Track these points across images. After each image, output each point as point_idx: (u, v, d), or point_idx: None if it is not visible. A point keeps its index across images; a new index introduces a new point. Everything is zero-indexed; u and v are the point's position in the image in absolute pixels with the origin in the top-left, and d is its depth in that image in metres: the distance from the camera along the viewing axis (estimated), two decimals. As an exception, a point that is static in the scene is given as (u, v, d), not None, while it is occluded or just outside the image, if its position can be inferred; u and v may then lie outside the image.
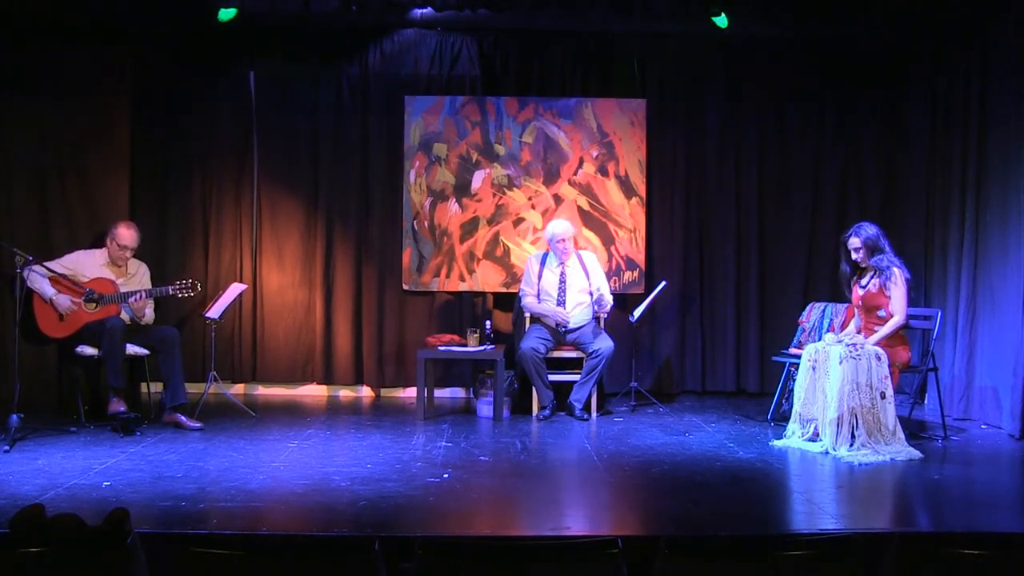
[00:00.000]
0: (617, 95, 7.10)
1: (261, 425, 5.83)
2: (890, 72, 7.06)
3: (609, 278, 6.83)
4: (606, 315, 6.42)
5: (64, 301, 5.66)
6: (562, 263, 6.38)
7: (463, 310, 7.11)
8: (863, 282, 5.51)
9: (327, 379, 7.13)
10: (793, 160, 7.16)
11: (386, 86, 7.09)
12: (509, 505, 4.22)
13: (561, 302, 6.34)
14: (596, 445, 5.36)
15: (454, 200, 7.07)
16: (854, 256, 5.51)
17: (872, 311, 5.42)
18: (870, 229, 5.47)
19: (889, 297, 5.36)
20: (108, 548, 2.41)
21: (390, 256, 7.12)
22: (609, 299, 6.35)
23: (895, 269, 5.36)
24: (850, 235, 5.52)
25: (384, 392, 7.16)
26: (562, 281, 6.37)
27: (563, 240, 6.32)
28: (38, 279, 5.65)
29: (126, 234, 5.90)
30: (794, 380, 6.13)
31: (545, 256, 6.47)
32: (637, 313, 6.54)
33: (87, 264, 5.86)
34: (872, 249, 5.42)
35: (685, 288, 7.13)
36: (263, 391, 7.13)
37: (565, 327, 6.30)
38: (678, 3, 6.34)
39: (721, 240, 7.16)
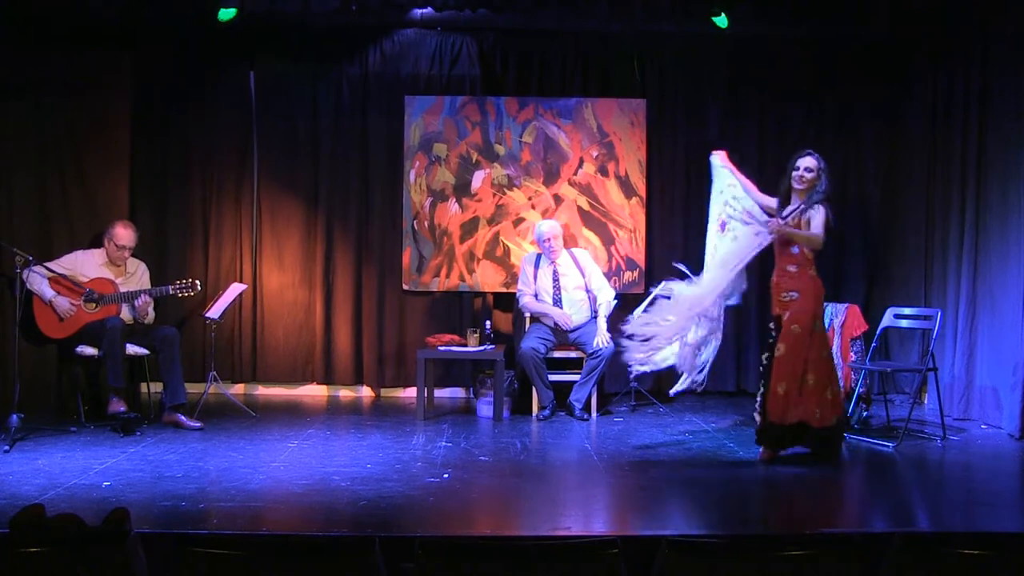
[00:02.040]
0: (617, 95, 7.10)
1: (261, 425, 5.83)
2: (890, 72, 7.06)
3: (609, 278, 6.82)
4: (610, 312, 6.38)
5: (63, 303, 5.66)
6: (552, 262, 6.38)
7: (463, 310, 7.11)
8: (784, 212, 5.06)
9: (327, 379, 7.13)
10: (793, 160, 7.16)
11: (386, 86, 7.09)
12: (509, 505, 4.22)
13: (557, 300, 6.35)
14: (596, 445, 5.36)
15: (454, 200, 7.07)
16: (801, 175, 4.97)
17: (786, 244, 5.02)
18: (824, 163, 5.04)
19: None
20: (108, 548, 2.41)
21: (390, 256, 7.12)
22: (610, 294, 6.35)
23: (822, 206, 4.91)
24: (808, 154, 5.03)
25: (384, 392, 7.16)
26: (555, 280, 6.38)
27: (549, 239, 6.33)
28: (37, 281, 5.65)
29: (123, 233, 5.90)
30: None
31: (538, 258, 6.48)
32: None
33: (86, 264, 5.86)
34: (824, 178, 4.98)
35: (685, 288, 7.12)
36: (263, 391, 7.12)
37: (567, 328, 6.30)
38: (678, 3, 6.35)
39: (721, 240, 7.15)
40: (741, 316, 7.12)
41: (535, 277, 6.42)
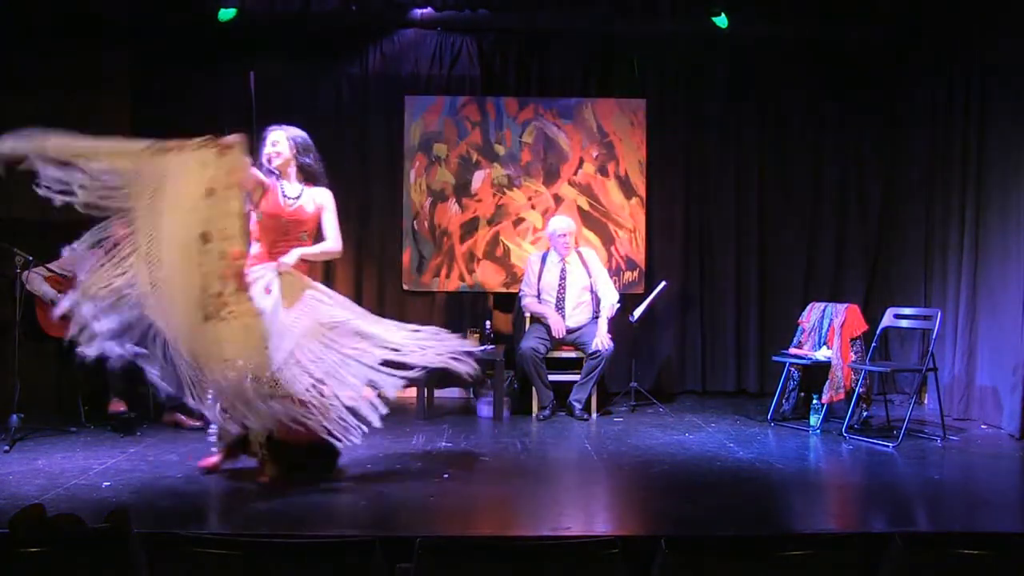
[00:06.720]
0: (617, 95, 7.11)
1: (261, 425, 5.81)
2: (890, 72, 7.07)
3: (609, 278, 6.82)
4: (612, 314, 6.36)
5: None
6: (562, 259, 6.37)
7: (463, 310, 7.11)
8: (289, 192, 4.64)
9: (327, 379, 7.12)
10: (793, 160, 7.17)
11: (386, 86, 7.09)
12: (509, 505, 4.21)
13: (560, 298, 6.34)
14: (596, 445, 5.36)
15: (454, 200, 7.08)
16: (275, 150, 4.68)
17: (295, 230, 4.63)
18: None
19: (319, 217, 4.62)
20: (108, 548, 2.41)
21: (390, 256, 7.12)
22: (614, 297, 6.34)
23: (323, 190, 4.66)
24: (276, 128, 4.73)
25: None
26: (562, 278, 6.36)
27: (564, 235, 6.33)
28: (38, 282, 5.63)
29: None
30: (794, 380, 6.14)
31: (546, 255, 6.47)
32: (637, 313, 6.53)
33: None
34: (305, 150, 4.73)
35: (685, 288, 7.13)
36: (263, 391, 7.10)
37: (558, 336, 6.27)
38: (678, 3, 6.35)
39: (721, 240, 7.16)
40: (741, 317, 7.14)
41: (540, 275, 6.40)
